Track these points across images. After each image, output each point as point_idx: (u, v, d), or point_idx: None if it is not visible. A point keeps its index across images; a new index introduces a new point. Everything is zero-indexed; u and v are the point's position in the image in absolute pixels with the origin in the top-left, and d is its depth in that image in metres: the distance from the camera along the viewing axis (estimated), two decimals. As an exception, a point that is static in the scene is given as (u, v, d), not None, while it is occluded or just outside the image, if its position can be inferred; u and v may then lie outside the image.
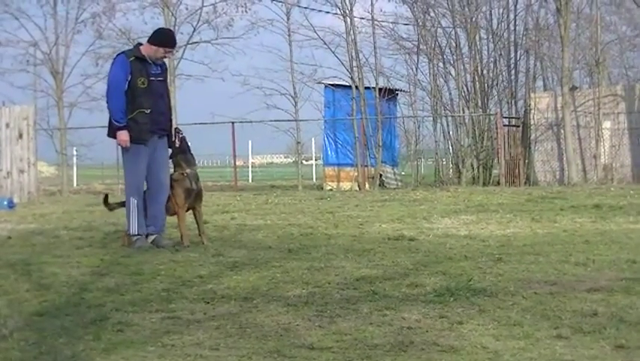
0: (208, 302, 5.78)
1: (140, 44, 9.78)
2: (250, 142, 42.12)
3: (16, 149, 20.71)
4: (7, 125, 20.64)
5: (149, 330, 4.96)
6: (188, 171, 9.61)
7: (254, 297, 5.95)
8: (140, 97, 9.42)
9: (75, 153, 32.55)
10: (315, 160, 41.44)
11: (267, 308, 5.57)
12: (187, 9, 28.93)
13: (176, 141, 9.63)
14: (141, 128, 9.42)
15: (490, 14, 29.65)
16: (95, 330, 4.93)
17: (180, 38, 28.98)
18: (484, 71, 29.03)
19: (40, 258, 8.08)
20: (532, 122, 25.64)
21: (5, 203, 17.16)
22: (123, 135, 9.34)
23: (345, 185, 26.74)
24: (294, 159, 38.51)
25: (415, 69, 29.90)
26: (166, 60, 10.05)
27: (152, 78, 9.57)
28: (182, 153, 9.65)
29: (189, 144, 9.83)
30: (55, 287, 6.41)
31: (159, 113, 9.64)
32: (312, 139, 36.74)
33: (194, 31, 28.84)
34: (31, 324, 5.11)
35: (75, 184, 34.29)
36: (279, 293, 6.13)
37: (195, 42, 28.92)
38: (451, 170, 29.03)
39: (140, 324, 5.11)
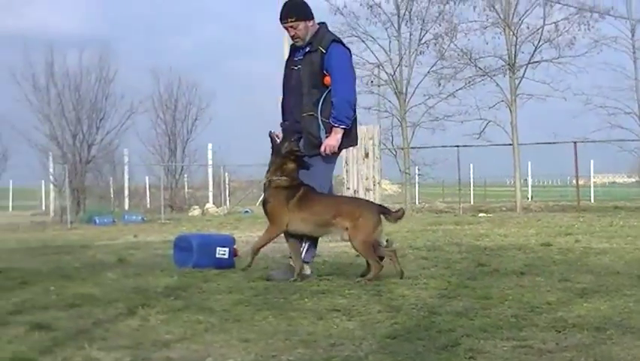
0: (559, 331, 5.64)
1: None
2: (592, 161, 41.15)
3: (362, 168, 21.50)
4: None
5: (500, 358, 4.91)
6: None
7: (607, 327, 5.72)
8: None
9: (417, 171, 33.28)
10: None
11: (621, 340, 5.35)
12: (528, 28, 28.81)
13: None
14: None
15: None
16: (447, 356, 4.96)
17: (521, 58, 28.89)
18: None
19: (389, 279, 8.27)
20: None
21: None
22: None
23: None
24: (637, 179, 36.77)
25: None
26: (327, 37, 8.03)
27: (292, 67, 8.15)
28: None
29: (278, 141, 8.09)
30: (404, 309, 6.51)
31: (287, 112, 8.29)
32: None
33: (535, 50, 28.64)
34: (385, 347, 5.21)
35: (417, 202, 35.03)
36: (632, 324, 5.86)
37: (536, 61, 28.67)
38: None
39: (492, 351, 5.05)
